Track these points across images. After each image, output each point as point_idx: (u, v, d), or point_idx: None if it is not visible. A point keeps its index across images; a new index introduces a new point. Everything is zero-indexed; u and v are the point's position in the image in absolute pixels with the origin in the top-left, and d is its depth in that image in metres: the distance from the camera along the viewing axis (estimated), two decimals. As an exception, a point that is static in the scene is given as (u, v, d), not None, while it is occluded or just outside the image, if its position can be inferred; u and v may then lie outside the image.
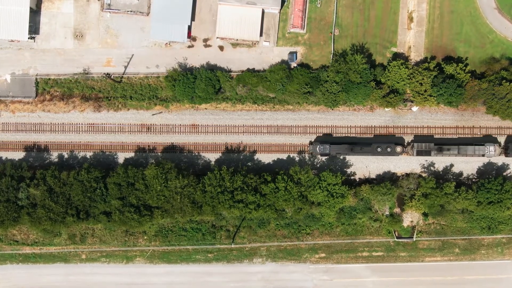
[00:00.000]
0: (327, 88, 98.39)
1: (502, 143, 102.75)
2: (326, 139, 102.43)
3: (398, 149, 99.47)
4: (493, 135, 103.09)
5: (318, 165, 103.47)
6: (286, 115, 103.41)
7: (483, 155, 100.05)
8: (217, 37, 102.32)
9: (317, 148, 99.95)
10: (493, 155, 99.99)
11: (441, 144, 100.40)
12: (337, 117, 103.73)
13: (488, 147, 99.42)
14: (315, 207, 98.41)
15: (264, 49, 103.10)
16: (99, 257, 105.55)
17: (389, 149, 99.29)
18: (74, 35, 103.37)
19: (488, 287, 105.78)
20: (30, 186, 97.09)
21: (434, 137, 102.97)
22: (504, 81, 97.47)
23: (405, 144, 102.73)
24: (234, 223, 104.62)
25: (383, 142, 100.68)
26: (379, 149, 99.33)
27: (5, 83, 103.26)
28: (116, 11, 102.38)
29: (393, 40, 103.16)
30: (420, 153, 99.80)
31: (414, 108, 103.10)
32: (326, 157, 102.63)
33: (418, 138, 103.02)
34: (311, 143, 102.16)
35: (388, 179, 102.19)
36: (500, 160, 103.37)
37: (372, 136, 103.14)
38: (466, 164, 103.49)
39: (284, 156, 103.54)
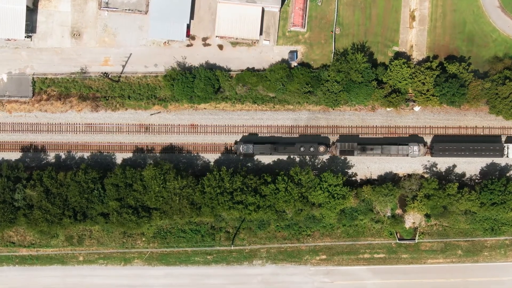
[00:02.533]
0: (328, 87, 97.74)
1: (429, 143, 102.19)
2: (250, 138, 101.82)
3: (321, 148, 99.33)
4: (420, 135, 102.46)
5: (319, 166, 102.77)
6: (287, 115, 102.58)
7: (407, 155, 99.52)
8: (216, 36, 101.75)
9: (241, 148, 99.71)
10: (417, 155, 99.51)
11: (364, 144, 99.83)
12: (338, 117, 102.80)
13: (412, 146, 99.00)
14: (316, 208, 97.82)
15: (264, 48, 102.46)
16: (97, 259, 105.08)
17: (312, 149, 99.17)
18: (71, 34, 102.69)
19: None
20: (26, 187, 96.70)
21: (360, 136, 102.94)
22: (508, 80, 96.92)
23: (330, 143, 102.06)
24: (234, 224, 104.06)
25: (307, 142, 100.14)
26: (302, 149, 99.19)
27: (1, 83, 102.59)
28: (114, 9, 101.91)
29: (395, 39, 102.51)
30: (343, 152, 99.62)
31: (416, 108, 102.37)
32: (250, 157, 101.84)
33: (414, 138, 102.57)
34: (236, 142, 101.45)
35: (390, 180, 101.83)
36: (503, 161, 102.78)
37: (298, 136, 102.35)
38: (469, 165, 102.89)
39: (284, 156, 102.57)
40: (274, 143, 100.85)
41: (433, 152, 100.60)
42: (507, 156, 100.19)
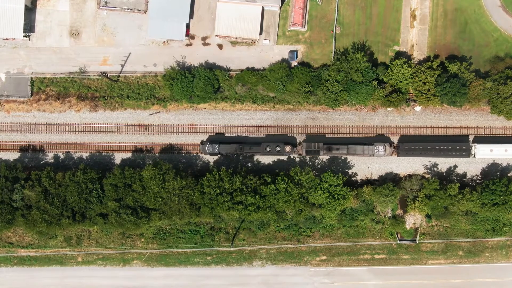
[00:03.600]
0: (328, 87, 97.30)
1: (395, 142, 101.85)
2: (217, 138, 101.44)
3: (287, 148, 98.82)
4: (386, 135, 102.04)
5: (319, 166, 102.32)
6: (286, 114, 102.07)
7: (373, 155, 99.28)
8: (216, 35, 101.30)
9: (206, 148, 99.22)
10: (383, 155, 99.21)
11: (331, 144, 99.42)
12: (338, 117, 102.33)
13: (377, 146, 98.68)
14: (316, 209, 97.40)
15: (264, 47, 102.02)
16: (96, 259, 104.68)
17: (278, 149, 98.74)
18: (70, 33, 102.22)
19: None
20: (25, 187, 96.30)
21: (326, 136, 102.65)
22: (509, 80, 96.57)
23: (297, 143, 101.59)
24: (233, 225, 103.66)
25: (273, 142, 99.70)
26: (268, 148, 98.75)
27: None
28: (113, 8, 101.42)
29: (395, 39, 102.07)
30: (309, 152, 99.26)
31: (417, 108, 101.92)
32: (215, 156, 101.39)
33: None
34: (202, 142, 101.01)
35: (390, 180, 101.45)
36: (505, 161, 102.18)
37: (265, 135, 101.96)
38: (470, 165, 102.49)
39: (284, 156, 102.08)
40: (240, 143, 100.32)
41: (399, 152, 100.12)
42: (474, 156, 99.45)
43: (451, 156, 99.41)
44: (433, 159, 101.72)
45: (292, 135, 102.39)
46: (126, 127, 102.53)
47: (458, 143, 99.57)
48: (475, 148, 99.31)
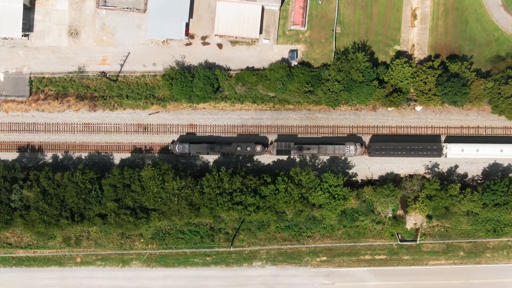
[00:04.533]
0: (329, 87, 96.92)
1: (367, 142, 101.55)
2: (187, 137, 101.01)
3: (258, 148, 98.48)
4: (358, 135, 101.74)
5: (319, 166, 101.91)
6: (287, 114, 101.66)
7: (343, 155, 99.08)
8: (215, 35, 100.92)
9: (176, 148, 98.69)
10: (354, 155, 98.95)
11: (301, 144, 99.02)
12: (339, 117, 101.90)
13: (348, 146, 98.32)
14: (316, 209, 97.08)
15: (264, 47, 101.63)
16: (95, 260, 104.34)
17: (249, 148, 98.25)
18: (68, 33, 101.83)
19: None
20: (23, 187, 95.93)
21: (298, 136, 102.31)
22: (510, 80, 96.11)
23: (268, 143, 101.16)
24: (233, 225, 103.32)
25: (244, 141, 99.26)
26: (239, 148, 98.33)
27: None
28: (112, 8, 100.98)
29: (396, 38, 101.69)
30: (280, 152, 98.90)
31: (418, 108, 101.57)
32: (185, 157, 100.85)
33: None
34: (173, 142, 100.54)
35: (391, 181, 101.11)
36: (506, 161, 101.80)
37: (236, 135, 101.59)
38: (471, 165, 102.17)
39: (284, 156, 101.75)
40: (211, 142, 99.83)
41: (370, 151, 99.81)
42: (445, 156, 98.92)
43: (422, 156, 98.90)
44: (468, 159, 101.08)
45: (264, 135, 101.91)
46: (125, 127, 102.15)
47: (429, 143, 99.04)
48: (446, 148, 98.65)
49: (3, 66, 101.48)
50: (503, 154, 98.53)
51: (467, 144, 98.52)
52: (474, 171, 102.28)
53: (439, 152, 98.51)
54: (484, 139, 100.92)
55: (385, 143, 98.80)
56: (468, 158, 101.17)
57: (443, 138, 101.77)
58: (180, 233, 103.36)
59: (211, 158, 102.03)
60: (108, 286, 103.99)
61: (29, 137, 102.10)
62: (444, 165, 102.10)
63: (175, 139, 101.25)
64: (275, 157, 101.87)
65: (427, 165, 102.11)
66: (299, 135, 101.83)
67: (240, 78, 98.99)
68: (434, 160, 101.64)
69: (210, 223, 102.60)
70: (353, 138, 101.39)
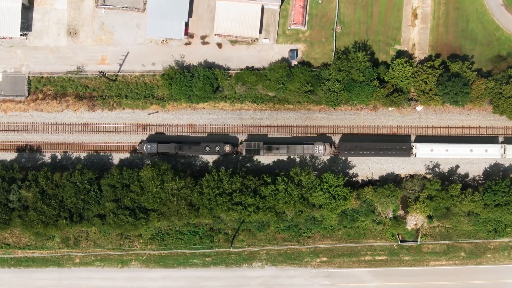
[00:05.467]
0: (329, 86, 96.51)
1: (337, 142, 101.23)
2: (156, 137, 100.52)
3: (227, 148, 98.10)
4: (328, 135, 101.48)
5: (319, 166, 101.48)
6: (287, 114, 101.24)
7: (313, 154, 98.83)
8: (215, 34, 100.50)
9: (144, 147, 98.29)
10: (323, 154, 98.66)
11: (271, 143, 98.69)
12: (339, 117, 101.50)
13: (317, 146, 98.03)
14: (317, 210, 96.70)
15: (264, 46, 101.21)
16: (94, 261, 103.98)
17: (217, 148, 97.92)
18: (67, 32, 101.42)
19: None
20: (21, 187, 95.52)
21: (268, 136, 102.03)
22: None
23: (238, 143, 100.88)
24: (233, 226, 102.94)
25: (212, 141, 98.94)
26: (207, 148, 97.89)
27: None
28: (111, 7, 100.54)
29: (396, 37, 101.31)
30: (249, 152, 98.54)
31: (419, 108, 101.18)
32: (154, 156, 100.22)
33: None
34: (141, 142, 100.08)
35: (391, 181, 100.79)
36: (507, 161, 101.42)
37: (206, 135, 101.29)
38: (472, 165, 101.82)
39: (284, 156, 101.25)
40: (179, 142, 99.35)
41: (339, 151, 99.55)
42: (415, 156, 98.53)
43: (391, 156, 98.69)
44: (469, 159, 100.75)
45: (234, 135, 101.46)
46: (124, 127, 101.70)
47: (398, 143, 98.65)
48: (415, 147, 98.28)
49: (1, 66, 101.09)
50: (472, 154, 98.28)
51: (436, 144, 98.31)
52: (475, 171, 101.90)
53: (408, 152, 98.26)
54: (453, 139, 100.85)
55: (354, 143, 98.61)
56: (469, 159, 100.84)
57: (413, 138, 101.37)
58: (179, 233, 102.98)
59: (210, 158, 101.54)
60: (107, 287, 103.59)
61: (28, 137, 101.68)
62: (445, 165, 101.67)
63: (144, 139, 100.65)
64: (275, 157, 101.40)
65: (428, 165, 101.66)
66: (269, 135, 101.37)
67: (239, 77, 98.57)
68: (435, 160, 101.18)
69: (210, 223, 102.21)
70: (323, 138, 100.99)
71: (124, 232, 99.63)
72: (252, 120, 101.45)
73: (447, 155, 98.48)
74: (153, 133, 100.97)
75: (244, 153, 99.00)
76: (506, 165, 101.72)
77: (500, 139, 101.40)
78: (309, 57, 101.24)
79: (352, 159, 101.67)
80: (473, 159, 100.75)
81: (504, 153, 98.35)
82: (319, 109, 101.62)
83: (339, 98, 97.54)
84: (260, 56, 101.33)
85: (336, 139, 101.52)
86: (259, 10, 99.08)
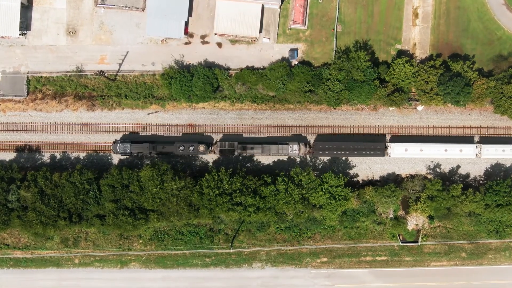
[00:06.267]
0: (329, 86, 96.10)
1: (312, 142, 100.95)
2: (129, 137, 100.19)
3: (201, 148, 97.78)
4: (303, 134, 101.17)
5: (320, 167, 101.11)
6: (287, 114, 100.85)
7: (287, 154, 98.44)
8: (215, 34, 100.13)
9: (117, 147, 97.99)
10: (297, 154, 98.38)
11: (245, 143, 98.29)
12: (340, 117, 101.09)
13: (291, 146, 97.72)
14: (317, 210, 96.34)
15: (264, 46, 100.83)
16: (93, 261, 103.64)
17: (191, 148, 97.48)
18: (66, 32, 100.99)
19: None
20: (20, 188, 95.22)
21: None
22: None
23: (212, 142, 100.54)
24: (233, 226, 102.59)
25: (186, 141, 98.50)
26: (181, 148, 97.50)
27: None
28: (110, 6, 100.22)
29: (397, 37, 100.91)
30: (223, 152, 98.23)
31: (420, 107, 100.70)
32: (126, 156, 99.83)
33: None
34: (115, 141, 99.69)
35: (392, 181, 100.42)
36: (509, 161, 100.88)
37: (181, 135, 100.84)
38: (473, 166, 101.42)
39: (284, 157, 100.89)
40: (153, 142, 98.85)
41: (313, 151, 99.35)
42: (389, 155, 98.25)
43: (366, 155, 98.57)
44: (471, 159, 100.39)
45: (209, 135, 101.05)
46: (123, 127, 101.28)
47: (373, 143, 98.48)
48: (390, 147, 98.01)
49: (0, 65, 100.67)
50: (447, 154, 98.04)
51: (411, 144, 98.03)
52: (476, 171, 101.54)
53: (382, 152, 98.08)
54: (429, 139, 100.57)
55: (328, 143, 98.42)
56: (470, 159, 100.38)
57: (388, 137, 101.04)
58: (179, 234, 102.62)
59: (210, 158, 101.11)
60: (106, 287, 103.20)
61: (27, 137, 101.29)
62: (446, 165, 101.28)
63: (117, 139, 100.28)
64: (275, 157, 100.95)
65: (429, 165, 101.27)
66: (244, 135, 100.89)
67: (240, 77, 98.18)
68: (436, 160, 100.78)
69: (210, 224, 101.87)
70: (297, 138, 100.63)
71: (124, 232, 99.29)
72: (252, 120, 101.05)
73: (421, 155, 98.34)
74: (127, 133, 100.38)
75: (218, 152, 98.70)
76: (508, 165, 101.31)
77: (476, 138, 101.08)
78: (310, 56, 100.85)
79: (353, 159, 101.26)
80: (474, 159, 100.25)
81: (480, 153, 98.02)
82: (319, 109, 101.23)
83: (340, 98, 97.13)
84: (260, 56, 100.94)
85: (311, 139, 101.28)
86: (259, 9, 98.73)
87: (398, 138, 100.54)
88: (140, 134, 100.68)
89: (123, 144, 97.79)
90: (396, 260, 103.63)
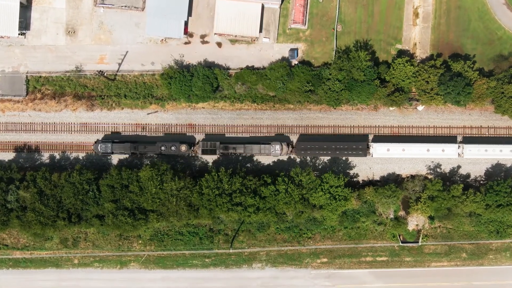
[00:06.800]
0: (330, 86, 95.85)
1: (294, 141, 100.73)
2: (111, 137, 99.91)
3: (183, 148, 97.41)
4: (285, 134, 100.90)
5: (320, 167, 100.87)
6: (287, 114, 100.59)
7: (269, 154, 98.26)
8: (215, 33, 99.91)
9: (99, 147, 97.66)
10: (279, 154, 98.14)
11: (228, 143, 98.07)
12: (340, 117, 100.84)
13: (274, 145, 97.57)
14: (317, 210, 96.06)
15: (264, 45, 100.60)
16: (92, 262, 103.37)
17: (173, 148, 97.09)
18: (66, 31, 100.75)
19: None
20: (20, 188, 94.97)
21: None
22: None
23: (195, 142, 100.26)
24: (233, 226, 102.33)
25: (168, 141, 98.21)
26: (163, 148, 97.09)
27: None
28: (110, 6, 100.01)
29: (398, 37, 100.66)
30: (205, 152, 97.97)
31: (420, 107, 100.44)
32: (109, 155, 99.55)
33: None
34: (96, 141, 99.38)
35: (392, 181, 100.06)
36: (509, 161, 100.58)
37: (163, 134, 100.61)
38: (474, 166, 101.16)
39: (285, 157, 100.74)
40: (134, 142, 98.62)
41: (296, 151, 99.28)
42: (372, 155, 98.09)
43: (348, 155, 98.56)
44: (471, 159, 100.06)
45: (191, 134, 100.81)
46: (123, 126, 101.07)
47: (355, 143, 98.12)
48: (372, 147, 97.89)
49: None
50: (429, 154, 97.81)
51: (393, 144, 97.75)
52: (477, 171, 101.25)
53: (364, 152, 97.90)
54: (412, 139, 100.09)
55: (311, 142, 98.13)
56: (471, 159, 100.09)
57: (370, 137, 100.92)
58: (178, 234, 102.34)
59: (210, 158, 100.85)
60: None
61: (26, 137, 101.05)
62: (446, 165, 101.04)
63: (99, 139, 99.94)
64: (275, 157, 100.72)
65: (429, 166, 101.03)
66: (227, 135, 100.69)
67: (239, 77, 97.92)
68: (436, 160, 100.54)
69: (209, 224, 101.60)
70: (280, 138, 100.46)
71: (123, 233, 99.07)
72: (252, 120, 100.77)
73: (403, 155, 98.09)
74: (109, 133, 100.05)
75: (200, 153, 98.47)
76: (508, 165, 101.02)
77: (459, 138, 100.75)
78: (310, 56, 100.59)
79: (353, 159, 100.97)
80: (473, 159, 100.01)
81: (462, 153, 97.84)
82: (319, 109, 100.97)
83: (340, 98, 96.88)
84: (260, 56, 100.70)
85: (294, 138, 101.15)
86: (259, 9, 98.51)
87: (396, 138, 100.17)
88: (121, 134, 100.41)
89: (105, 144, 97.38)
90: (397, 261, 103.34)
